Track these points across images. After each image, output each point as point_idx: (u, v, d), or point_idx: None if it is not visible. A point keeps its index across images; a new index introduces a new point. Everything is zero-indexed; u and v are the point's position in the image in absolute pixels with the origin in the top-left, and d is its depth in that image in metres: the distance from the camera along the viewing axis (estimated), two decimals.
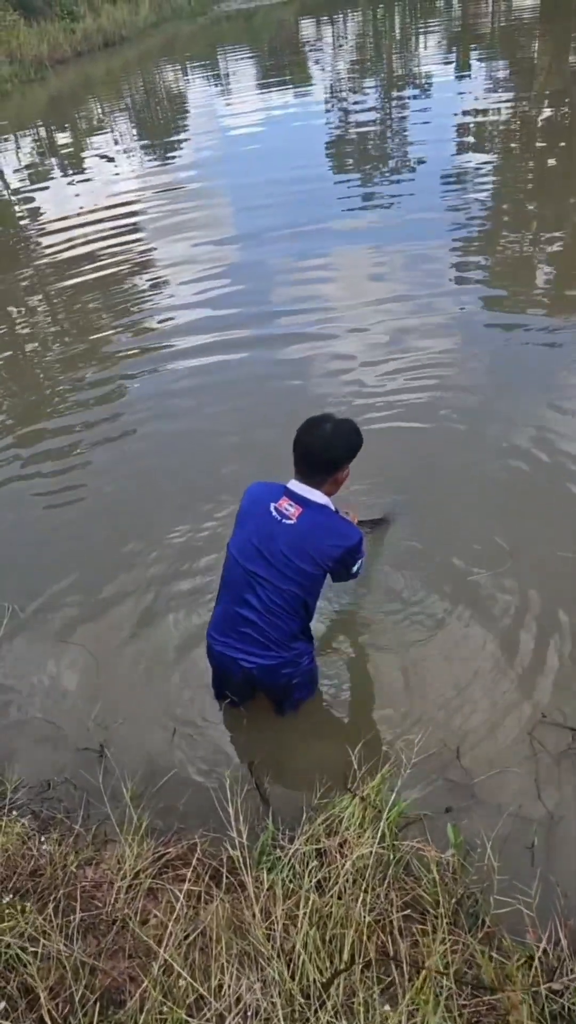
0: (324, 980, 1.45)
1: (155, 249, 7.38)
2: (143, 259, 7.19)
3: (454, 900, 1.87)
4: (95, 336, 5.80)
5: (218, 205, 8.37)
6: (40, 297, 6.88)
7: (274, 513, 2.25)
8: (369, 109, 11.39)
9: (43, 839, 2.22)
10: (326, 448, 2.20)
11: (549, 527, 3.27)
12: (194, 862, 2.03)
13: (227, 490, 3.53)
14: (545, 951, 1.69)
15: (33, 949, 1.58)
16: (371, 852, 1.87)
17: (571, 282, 5.43)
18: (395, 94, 12.38)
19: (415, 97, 11.74)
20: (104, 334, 5.81)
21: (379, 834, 1.96)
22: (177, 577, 3.29)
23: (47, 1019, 1.43)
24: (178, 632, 3.04)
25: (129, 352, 5.43)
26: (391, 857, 1.94)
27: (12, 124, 15.61)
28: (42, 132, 14.91)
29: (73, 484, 4.06)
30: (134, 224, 8.20)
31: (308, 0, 27.53)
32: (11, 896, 1.76)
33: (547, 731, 2.46)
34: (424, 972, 1.40)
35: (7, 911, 1.68)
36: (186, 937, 1.80)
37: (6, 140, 14.39)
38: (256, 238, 7.07)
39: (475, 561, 3.14)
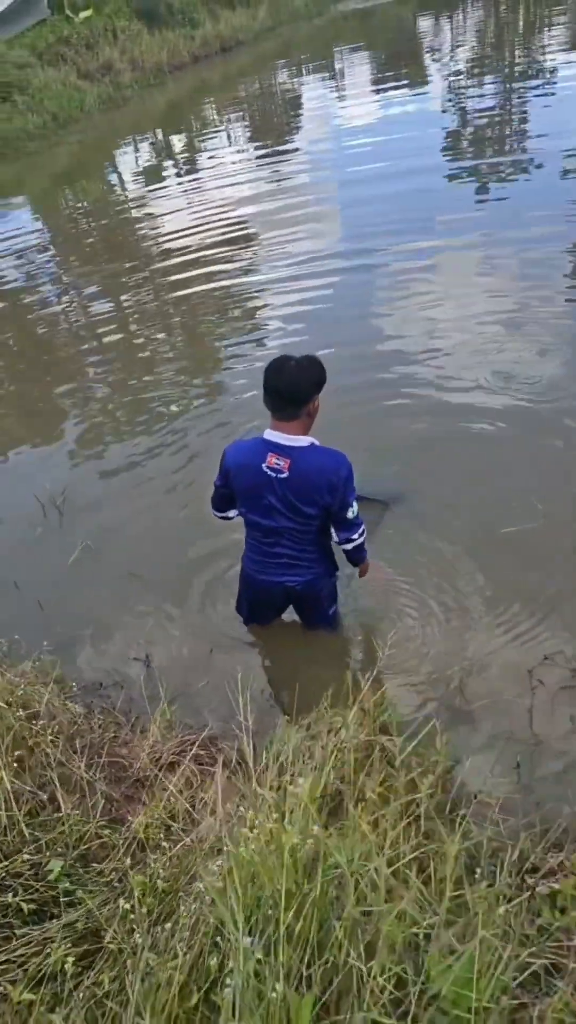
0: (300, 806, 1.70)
1: (262, 243, 7.66)
2: (249, 252, 7.50)
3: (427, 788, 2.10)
4: (200, 332, 6.22)
5: (327, 201, 8.50)
6: (150, 288, 7.31)
7: (268, 472, 2.38)
8: (488, 104, 11.22)
9: (89, 720, 2.62)
10: (295, 384, 2.30)
11: None
12: (197, 744, 2.35)
13: None
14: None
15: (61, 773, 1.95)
16: (354, 738, 2.13)
17: None
18: (517, 88, 12.10)
19: (538, 92, 11.31)
20: (207, 328, 6.20)
21: (367, 729, 2.22)
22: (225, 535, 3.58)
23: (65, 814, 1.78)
24: (222, 575, 3.38)
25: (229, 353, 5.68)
26: (374, 752, 2.19)
27: (132, 128, 16.51)
28: (159, 134, 15.70)
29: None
30: (242, 218, 8.55)
31: None
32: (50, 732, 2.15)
33: (547, 670, 2.63)
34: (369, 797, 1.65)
35: (42, 736, 2.07)
36: (192, 797, 2.13)
37: (126, 143, 15.28)
38: (363, 233, 7.19)
39: (509, 517, 3.33)
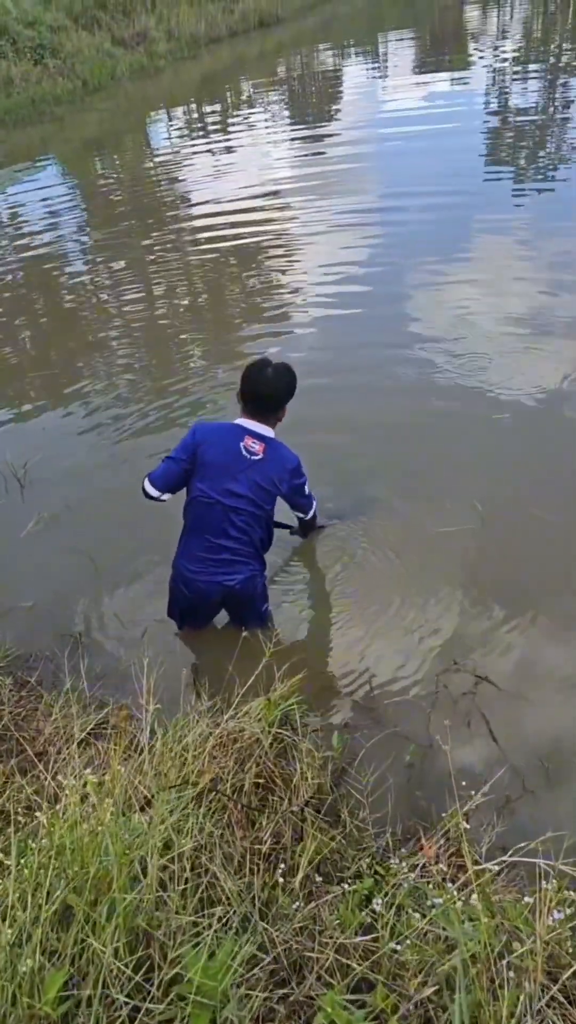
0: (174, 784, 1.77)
1: (295, 221, 7.71)
2: (281, 231, 7.54)
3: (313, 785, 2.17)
4: (229, 308, 6.35)
5: (364, 186, 8.44)
6: (176, 253, 7.46)
7: (245, 452, 2.63)
8: (531, 101, 11.04)
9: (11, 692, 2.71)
10: (273, 393, 2.63)
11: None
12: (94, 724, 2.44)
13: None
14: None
15: None
16: (247, 731, 2.20)
17: None
18: (560, 87, 11.90)
19: None
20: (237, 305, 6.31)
21: (263, 720, 2.28)
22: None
23: None
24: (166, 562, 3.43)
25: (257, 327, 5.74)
26: (266, 742, 2.26)
27: (164, 99, 16.40)
28: (193, 106, 15.57)
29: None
30: (276, 194, 8.62)
31: None
32: None
33: (454, 676, 2.69)
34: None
35: None
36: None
37: (158, 114, 15.19)
38: (398, 219, 7.22)
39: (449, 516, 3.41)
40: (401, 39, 19.64)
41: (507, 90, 11.92)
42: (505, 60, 14.42)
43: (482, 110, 10.91)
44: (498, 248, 6.26)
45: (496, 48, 15.75)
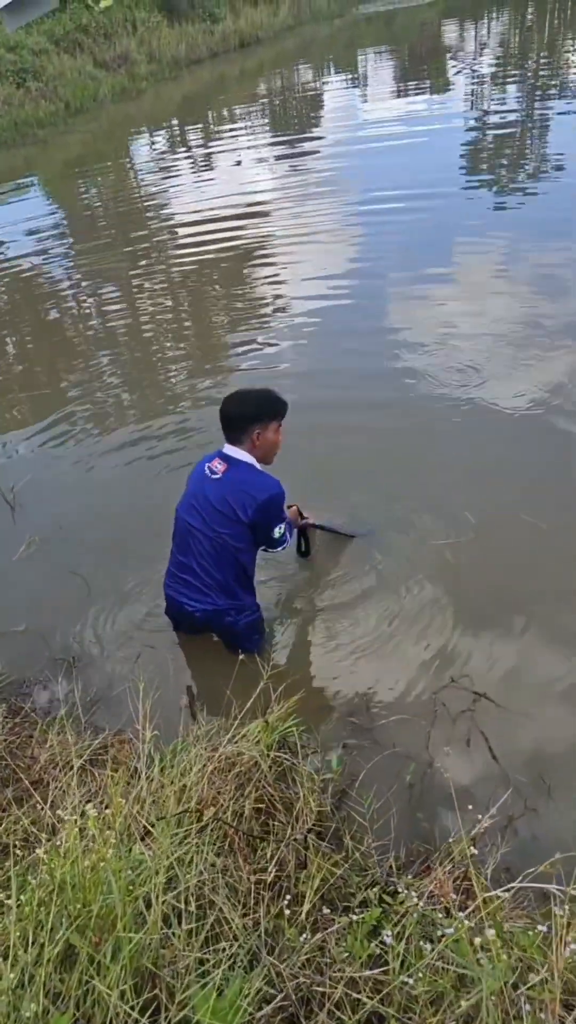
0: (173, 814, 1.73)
1: (277, 233, 7.80)
2: (264, 244, 7.58)
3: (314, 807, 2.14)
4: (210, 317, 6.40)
5: (344, 196, 8.53)
6: (163, 276, 7.45)
7: (207, 472, 2.70)
8: (510, 113, 11.14)
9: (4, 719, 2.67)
10: (236, 409, 2.64)
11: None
12: (91, 750, 2.40)
13: None
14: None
15: None
16: (246, 754, 2.17)
17: None
18: (538, 100, 12.05)
19: (562, 105, 11.08)
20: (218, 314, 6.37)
21: (261, 743, 2.25)
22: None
23: None
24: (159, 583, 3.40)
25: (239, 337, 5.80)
26: (265, 765, 2.23)
27: (146, 119, 16.53)
28: (175, 125, 15.69)
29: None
30: (258, 209, 8.67)
31: (453, 1, 27.28)
32: None
33: (451, 692, 2.67)
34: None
35: None
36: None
37: (140, 134, 15.30)
38: (378, 231, 7.29)
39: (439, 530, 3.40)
40: (380, 54, 19.90)
41: (485, 102, 12.12)
42: (483, 74, 14.64)
43: (461, 122, 11.05)
44: (480, 257, 6.30)
45: (473, 63, 15.98)
